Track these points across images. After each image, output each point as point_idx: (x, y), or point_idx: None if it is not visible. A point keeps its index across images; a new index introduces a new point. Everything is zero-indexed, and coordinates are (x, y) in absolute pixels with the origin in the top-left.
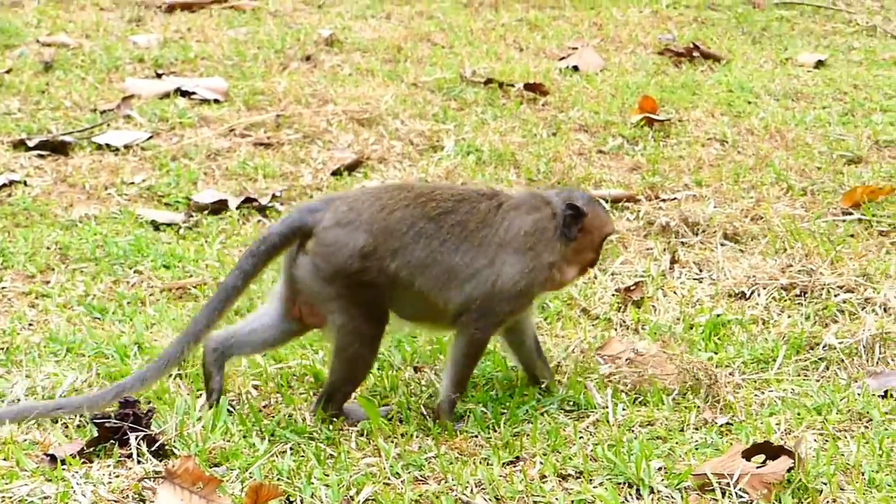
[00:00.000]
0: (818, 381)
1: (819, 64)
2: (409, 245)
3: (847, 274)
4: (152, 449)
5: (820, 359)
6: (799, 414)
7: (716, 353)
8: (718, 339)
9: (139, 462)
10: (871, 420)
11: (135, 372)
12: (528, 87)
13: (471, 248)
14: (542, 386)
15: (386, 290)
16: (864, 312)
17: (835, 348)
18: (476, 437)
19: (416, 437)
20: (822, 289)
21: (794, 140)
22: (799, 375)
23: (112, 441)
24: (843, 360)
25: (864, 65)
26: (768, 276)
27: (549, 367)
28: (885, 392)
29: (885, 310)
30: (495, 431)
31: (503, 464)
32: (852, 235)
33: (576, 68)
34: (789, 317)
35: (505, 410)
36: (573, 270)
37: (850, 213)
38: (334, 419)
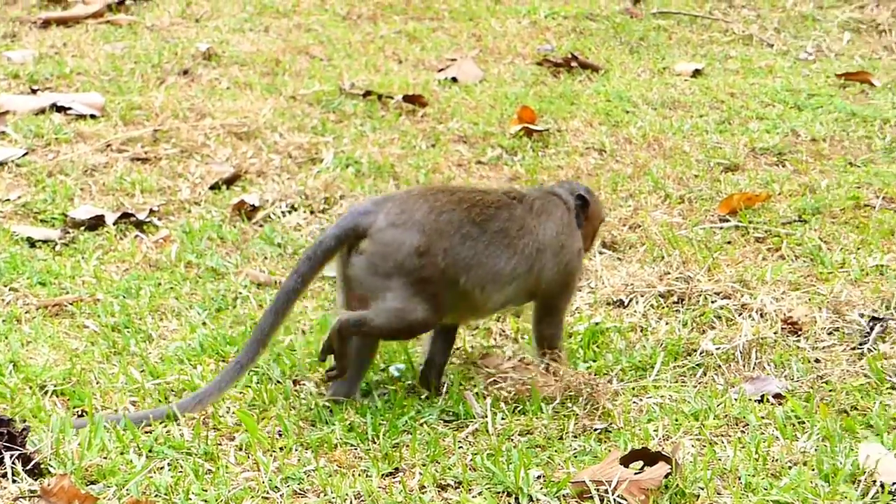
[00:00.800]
0: (695, 387)
1: (696, 73)
2: (456, 245)
3: (724, 280)
4: (27, 468)
5: (697, 365)
6: (676, 420)
7: (594, 361)
8: (597, 346)
9: (14, 482)
10: (747, 425)
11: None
12: (407, 98)
13: (514, 255)
14: (423, 397)
15: (439, 286)
16: (741, 318)
17: (712, 354)
18: (355, 448)
19: (296, 450)
20: (700, 295)
21: (671, 148)
22: (676, 382)
23: None
24: (720, 366)
25: (740, 73)
26: (646, 283)
27: (441, 378)
28: (762, 397)
29: (761, 315)
30: (374, 443)
31: (382, 475)
32: (729, 242)
33: (455, 80)
34: (667, 324)
35: (384, 422)
36: None
37: (727, 220)
38: (335, 351)
